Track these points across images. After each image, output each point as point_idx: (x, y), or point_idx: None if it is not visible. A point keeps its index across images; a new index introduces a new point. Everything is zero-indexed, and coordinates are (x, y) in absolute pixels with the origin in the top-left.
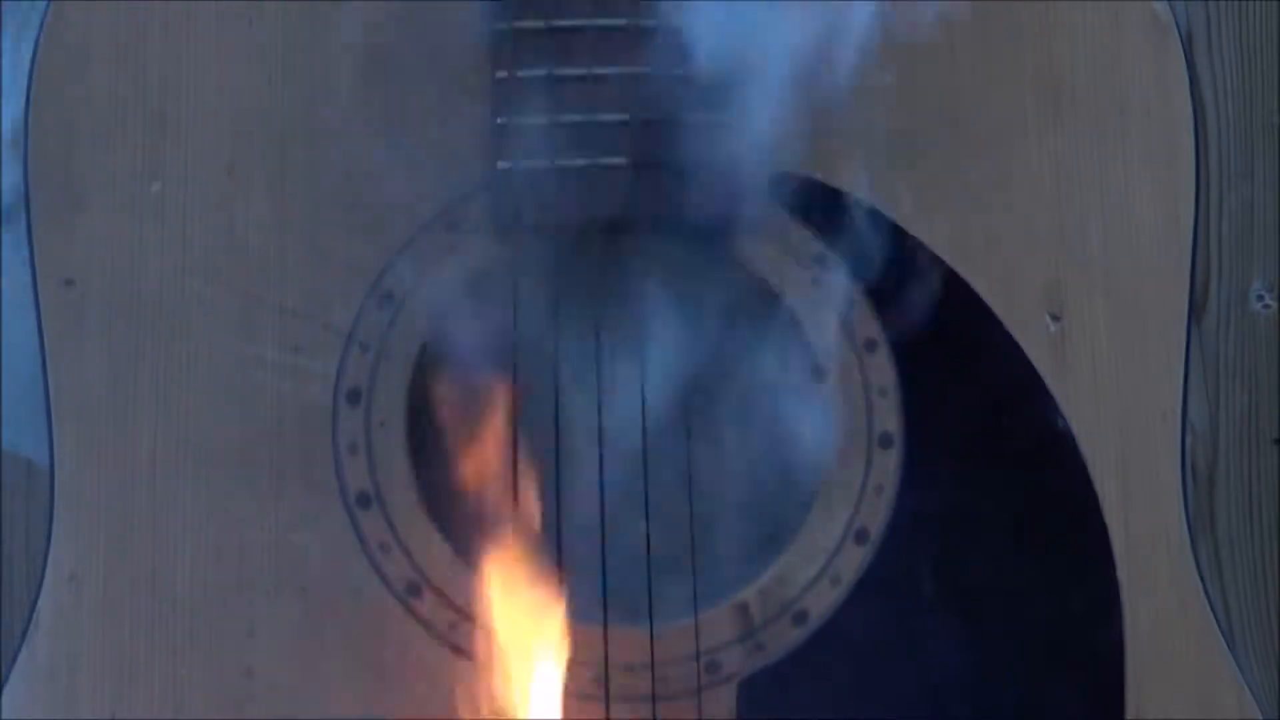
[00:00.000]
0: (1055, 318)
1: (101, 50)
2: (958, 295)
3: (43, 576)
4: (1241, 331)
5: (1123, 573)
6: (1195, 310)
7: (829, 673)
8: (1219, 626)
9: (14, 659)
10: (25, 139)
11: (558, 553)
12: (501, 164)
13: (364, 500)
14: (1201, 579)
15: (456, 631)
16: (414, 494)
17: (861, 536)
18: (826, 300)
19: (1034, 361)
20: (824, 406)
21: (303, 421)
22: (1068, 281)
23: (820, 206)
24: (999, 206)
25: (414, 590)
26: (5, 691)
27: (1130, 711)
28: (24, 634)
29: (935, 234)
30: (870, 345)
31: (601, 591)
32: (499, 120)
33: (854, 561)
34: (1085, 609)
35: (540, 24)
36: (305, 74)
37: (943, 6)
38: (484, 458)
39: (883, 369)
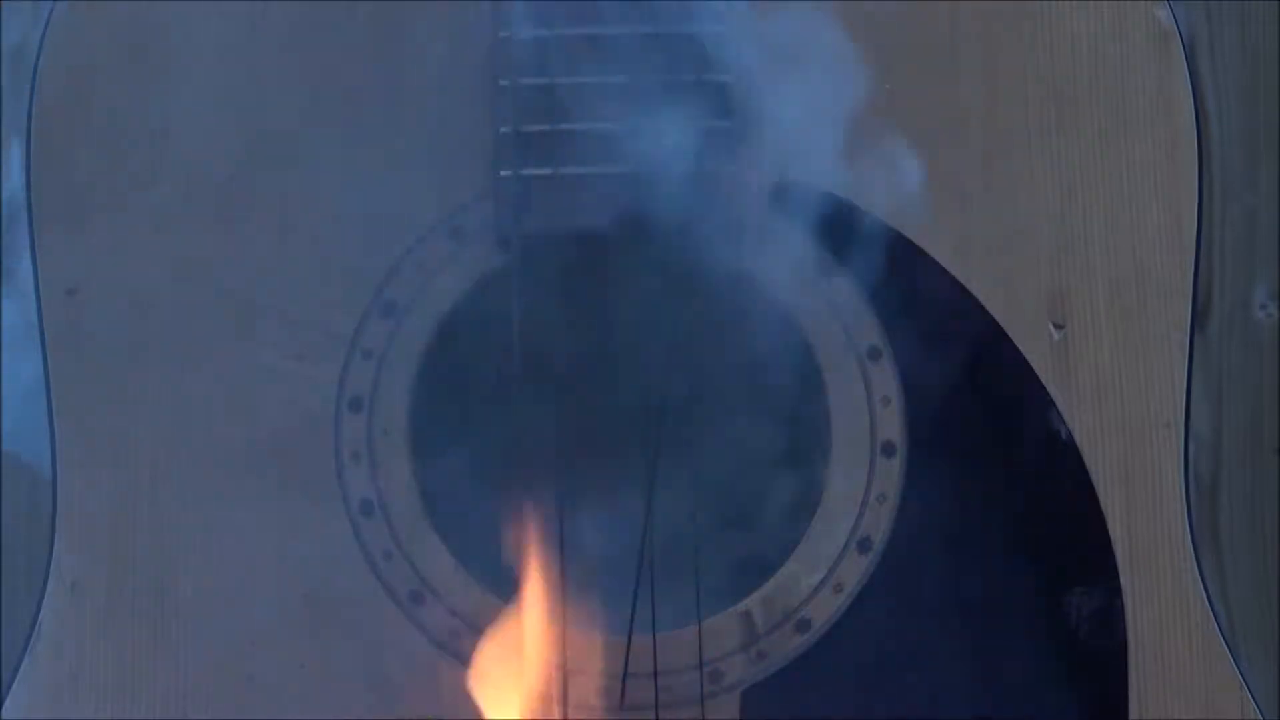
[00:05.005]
0: (1058, 326)
1: (104, 58)
2: (960, 303)
3: (45, 585)
4: (1244, 340)
5: (1126, 580)
6: (1198, 318)
7: (832, 681)
8: (1221, 633)
9: (16, 667)
10: (28, 147)
11: (560, 562)
12: (504, 172)
13: (366, 508)
14: (1204, 586)
15: (458, 640)
16: (416, 502)
17: (865, 545)
18: (829, 308)
19: (1037, 370)
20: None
21: (305, 429)
22: (1071, 290)
23: (822, 214)
24: (1002, 214)
25: (416, 598)
26: (8, 700)
27: (1133, 716)
28: (27, 642)
29: (938, 242)
30: (873, 353)
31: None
32: (501, 128)
33: (857, 570)
34: (1088, 617)
35: (543, 32)
36: (307, 81)
37: None
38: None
39: (886, 377)
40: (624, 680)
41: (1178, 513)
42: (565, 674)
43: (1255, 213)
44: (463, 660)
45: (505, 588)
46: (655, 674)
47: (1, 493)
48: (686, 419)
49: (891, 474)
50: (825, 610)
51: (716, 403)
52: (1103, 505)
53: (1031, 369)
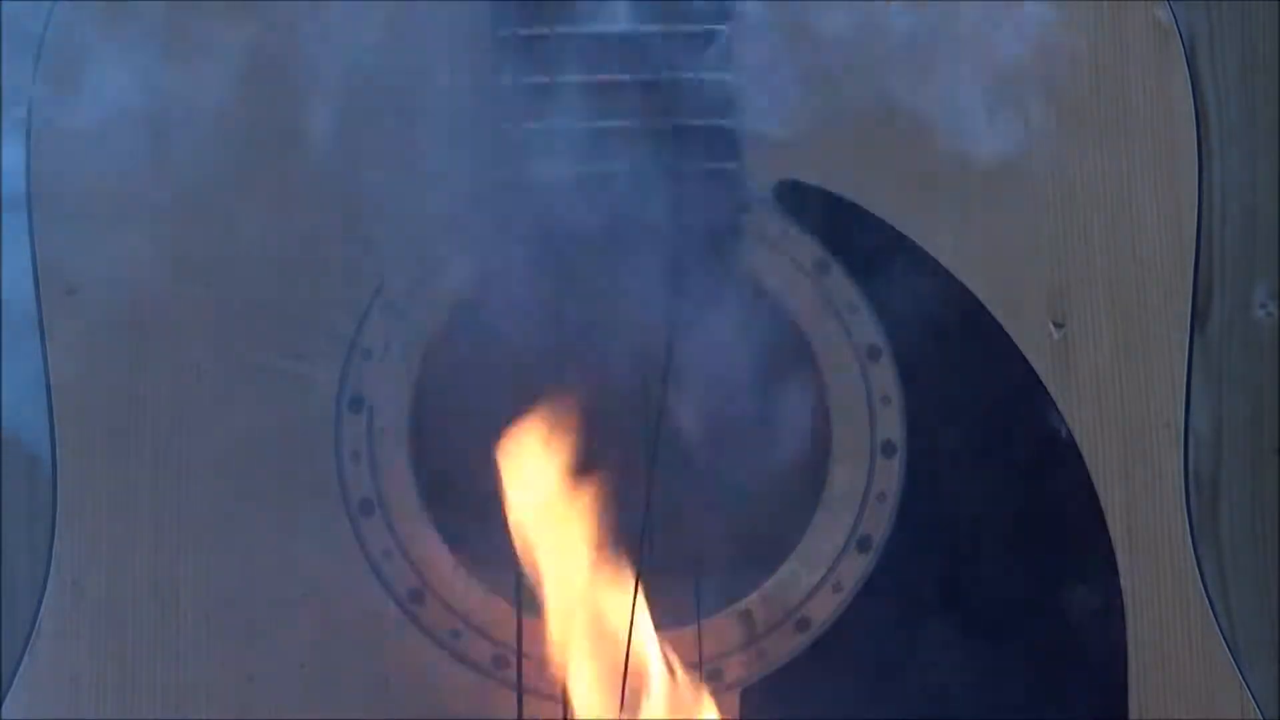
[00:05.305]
0: (1058, 325)
1: (104, 58)
2: (960, 302)
3: (45, 585)
4: (1244, 339)
5: (1126, 580)
6: (1198, 318)
7: (831, 680)
8: (1221, 632)
9: (17, 665)
10: (28, 146)
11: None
12: (505, 170)
13: (366, 507)
14: (1204, 585)
15: (458, 639)
16: (416, 501)
17: (864, 544)
18: (829, 307)
19: (1037, 369)
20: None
21: (305, 428)
22: (1071, 289)
23: (823, 213)
24: (1002, 214)
25: (416, 597)
26: (8, 700)
27: (1133, 716)
28: (27, 640)
29: (938, 241)
30: (873, 353)
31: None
32: (503, 126)
33: (857, 569)
34: (1088, 616)
35: (546, 30)
36: (307, 81)
37: None
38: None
39: (885, 376)
40: (624, 680)
41: (1178, 512)
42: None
43: (1255, 212)
44: (462, 660)
45: (505, 587)
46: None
47: (1, 492)
48: (685, 418)
49: (891, 473)
50: (825, 609)
51: (716, 402)
52: (1103, 505)
53: (1031, 368)
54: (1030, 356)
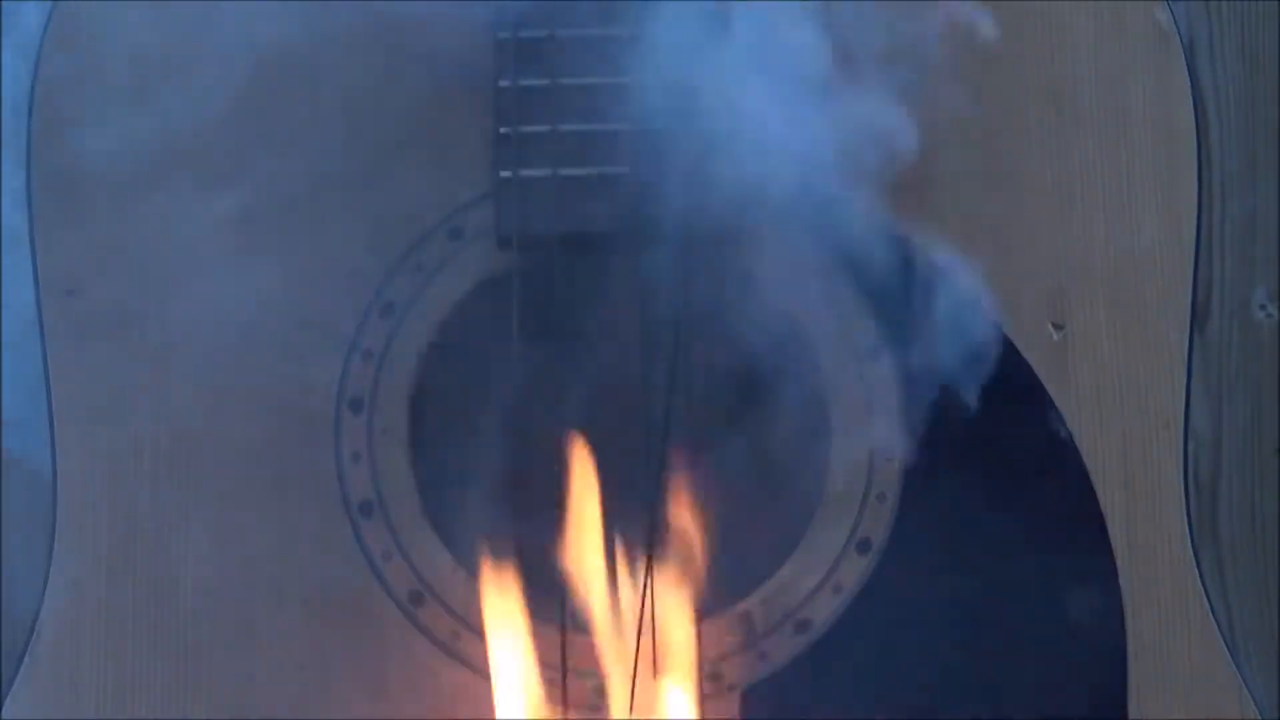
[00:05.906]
0: (1058, 326)
1: (105, 58)
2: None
3: (45, 585)
4: (1244, 340)
5: (1125, 580)
6: (1198, 318)
7: (831, 681)
8: (1221, 634)
9: (17, 665)
10: (28, 147)
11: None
12: (504, 173)
13: (366, 509)
14: (1204, 587)
15: (458, 640)
16: (416, 502)
17: (864, 545)
18: (829, 308)
19: (1037, 370)
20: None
21: (305, 430)
22: (1070, 290)
23: (821, 215)
24: (1001, 215)
25: (416, 599)
26: (8, 700)
27: (1133, 716)
28: (27, 640)
29: (938, 242)
30: (873, 353)
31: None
32: (501, 130)
33: (856, 570)
34: (1088, 617)
35: (543, 33)
36: (307, 82)
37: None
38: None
39: (885, 378)
40: (633, 681)
41: (1178, 513)
42: (565, 674)
43: (1254, 213)
44: (462, 660)
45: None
46: (655, 675)
47: (1, 493)
48: (686, 419)
49: (891, 474)
50: (825, 611)
51: (716, 404)
52: (1103, 505)
53: (1031, 369)
54: (1030, 357)
